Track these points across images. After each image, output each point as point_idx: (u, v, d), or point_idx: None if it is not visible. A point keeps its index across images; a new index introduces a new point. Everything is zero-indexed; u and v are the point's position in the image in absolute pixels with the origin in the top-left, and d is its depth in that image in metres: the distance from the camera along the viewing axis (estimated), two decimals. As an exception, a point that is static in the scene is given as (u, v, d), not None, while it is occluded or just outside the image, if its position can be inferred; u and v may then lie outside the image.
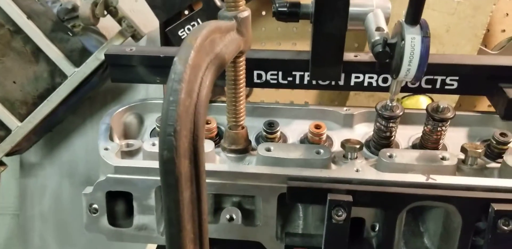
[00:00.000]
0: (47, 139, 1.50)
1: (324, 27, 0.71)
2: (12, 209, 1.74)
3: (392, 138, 0.73)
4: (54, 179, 1.56)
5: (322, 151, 0.68)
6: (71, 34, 1.25)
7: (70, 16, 1.24)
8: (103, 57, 1.25)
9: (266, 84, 0.81)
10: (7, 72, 1.29)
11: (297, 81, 0.80)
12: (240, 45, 0.64)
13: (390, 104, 0.70)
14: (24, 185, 1.59)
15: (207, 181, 0.67)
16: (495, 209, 0.59)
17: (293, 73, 0.79)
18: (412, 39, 0.60)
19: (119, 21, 1.26)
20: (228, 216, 0.69)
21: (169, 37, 1.17)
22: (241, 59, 0.68)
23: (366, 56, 0.78)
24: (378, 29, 0.66)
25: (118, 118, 0.78)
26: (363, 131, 0.78)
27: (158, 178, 0.66)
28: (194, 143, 0.50)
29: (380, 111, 0.70)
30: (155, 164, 0.67)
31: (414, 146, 0.76)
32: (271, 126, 0.75)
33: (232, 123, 0.73)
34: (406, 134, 0.77)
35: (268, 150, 0.70)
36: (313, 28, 0.72)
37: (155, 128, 0.79)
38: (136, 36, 1.30)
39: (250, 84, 0.81)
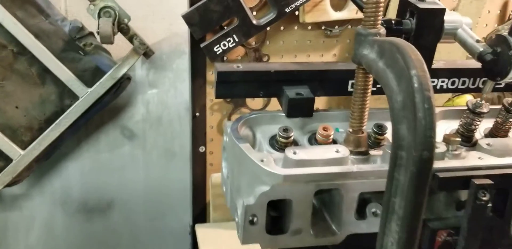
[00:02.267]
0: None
1: (421, 41, 0.84)
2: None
3: (476, 131, 0.88)
4: (44, 208, 1.45)
5: (438, 146, 0.80)
6: (82, 54, 1.20)
7: (81, 34, 1.19)
8: (118, 76, 1.23)
9: (358, 92, 0.90)
10: (8, 97, 1.19)
11: (384, 88, 0.91)
12: (381, 59, 0.74)
13: (480, 102, 0.85)
14: (5, 219, 1.45)
15: (361, 181, 0.75)
16: None
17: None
18: (519, 49, 0.76)
19: (131, 39, 1.25)
20: (373, 210, 0.78)
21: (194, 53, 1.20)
22: (372, 70, 0.76)
23: (440, 63, 0.92)
24: (478, 41, 0.80)
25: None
26: (443, 127, 0.92)
27: (319, 183, 0.73)
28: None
29: (471, 108, 0.85)
30: (318, 170, 0.74)
31: (486, 136, 0.91)
32: (380, 128, 0.85)
33: (357, 128, 0.81)
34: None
35: (394, 148, 0.79)
36: (411, 42, 0.84)
37: (273, 137, 0.83)
38: (148, 53, 1.29)
39: (345, 92, 0.91)
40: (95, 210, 1.48)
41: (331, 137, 0.83)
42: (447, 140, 0.85)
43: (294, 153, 0.76)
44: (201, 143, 1.32)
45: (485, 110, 0.85)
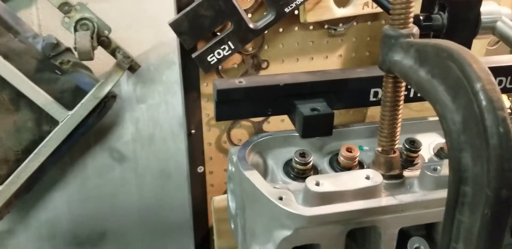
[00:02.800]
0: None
1: (455, 38, 0.70)
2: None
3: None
4: (31, 245, 1.31)
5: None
6: (59, 73, 1.06)
7: (56, 51, 1.05)
8: (102, 95, 1.09)
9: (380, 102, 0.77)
10: (-23, 127, 1.05)
11: (411, 95, 0.78)
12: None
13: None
14: (-11, 260, 1.30)
15: (402, 214, 0.62)
16: None
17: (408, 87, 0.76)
18: None
19: (113, 53, 1.11)
20: (416, 246, 0.65)
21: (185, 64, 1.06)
22: (404, 78, 0.63)
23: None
24: (525, 35, 0.67)
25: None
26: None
27: (354, 220, 0.59)
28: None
29: None
30: (351, 206, 0.60)
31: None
32: (413, 144, 0.72)
33: (388, 147, 0.68)
34: None
35: (435, 169, 0.66)
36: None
37: (288, 163, 0.70)
38: (133, 67, 1.15)
39: (366, 103, 0.77)
40: (87, 243, 1.34)
41: (357, 159, 0.69)
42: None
43: (317, 184, 0.63)
44: (199, 162, 1.18)
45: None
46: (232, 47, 1.01)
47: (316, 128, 0.71)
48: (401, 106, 0.66)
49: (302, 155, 0.68)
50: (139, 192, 1.34)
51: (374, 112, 1.23)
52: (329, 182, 0.64)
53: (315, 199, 0.62)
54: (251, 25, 1.00)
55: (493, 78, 0.44)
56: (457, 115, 0.47)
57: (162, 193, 1.34)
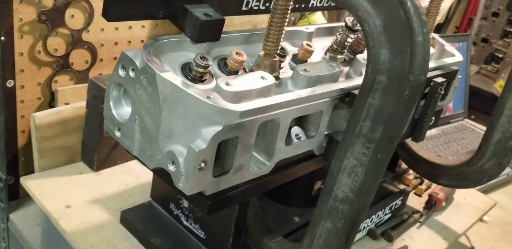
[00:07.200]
0: None
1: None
2: None
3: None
4: None
5: (335, 65, 0.83)
6: None
7: None
8: None
9: (251, 12, 0.83)
10: None
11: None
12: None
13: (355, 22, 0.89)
14: None
15: (296, 107, 0.73)
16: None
17: (273, -3, 0.84)
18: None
19: None
20: (297, 133, 0.78)
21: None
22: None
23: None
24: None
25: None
26: (318, 44, 0.94)
27: (266, 114, 0.68)
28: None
29: (350, 25, 0.89)
30: (269, 101, 0.68)
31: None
32: (283, 50, 0.82)
33: (273, 51, 0.76)
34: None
35: (305, 70, 0.79)
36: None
37: (184, 67, 0.72)
38: None
39: (238, 12, 0.82)
40: None
41: (244, 63, 0.76)
42: (333, 57, 0.89)
43: (227, 84, 0.68)
44: (9, 75, 1.03)
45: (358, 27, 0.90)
46: None
47: (209, 32, 0.73)
48: (289, 14, 0.74)
49: (203, 58, 0.70)
50: None
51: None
52: (235, 82, 0.69)
53: (227, 98, 0.67)
54: None
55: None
56: (378, 19, 0.58)
57: None
